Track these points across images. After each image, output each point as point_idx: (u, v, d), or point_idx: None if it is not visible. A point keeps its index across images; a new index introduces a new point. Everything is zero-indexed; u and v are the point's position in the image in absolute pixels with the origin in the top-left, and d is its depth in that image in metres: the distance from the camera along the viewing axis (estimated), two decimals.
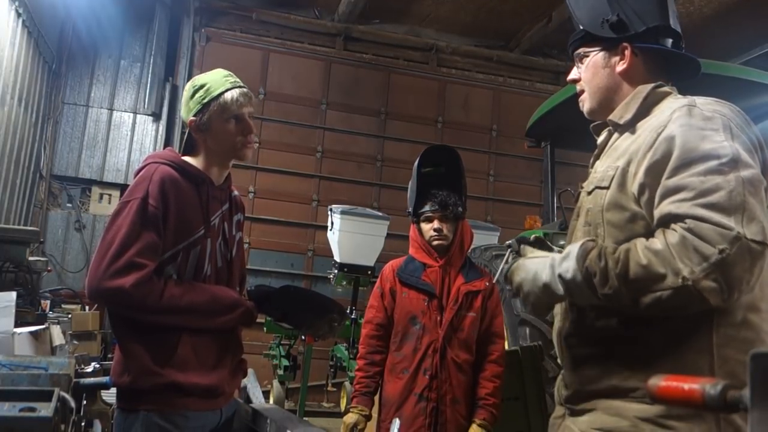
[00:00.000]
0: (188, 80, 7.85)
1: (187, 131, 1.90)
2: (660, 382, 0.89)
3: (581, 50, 1.56)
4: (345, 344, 5.60)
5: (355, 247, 5.88)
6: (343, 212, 5.91)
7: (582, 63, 1.56)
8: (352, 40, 8.22)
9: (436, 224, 2.69)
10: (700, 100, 1.37)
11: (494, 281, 1.95)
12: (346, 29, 8.07)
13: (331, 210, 6.10)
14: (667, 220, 1.24)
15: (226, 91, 1.82)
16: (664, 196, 1.26)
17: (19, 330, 3.22)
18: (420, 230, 2.77)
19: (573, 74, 1.60)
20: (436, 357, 2.59)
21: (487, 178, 8.46)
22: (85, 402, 2.78)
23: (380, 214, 6.26)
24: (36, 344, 3.27)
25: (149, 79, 7.48)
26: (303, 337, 5.66)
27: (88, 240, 7.19)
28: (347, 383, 5.53)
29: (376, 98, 8.26)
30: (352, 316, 5.55)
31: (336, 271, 5.93)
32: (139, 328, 1.73)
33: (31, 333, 3.27)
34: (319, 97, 8.09)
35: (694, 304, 1.17)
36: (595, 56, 1.53)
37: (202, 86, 1.84)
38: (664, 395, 0.88)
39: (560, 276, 1.31)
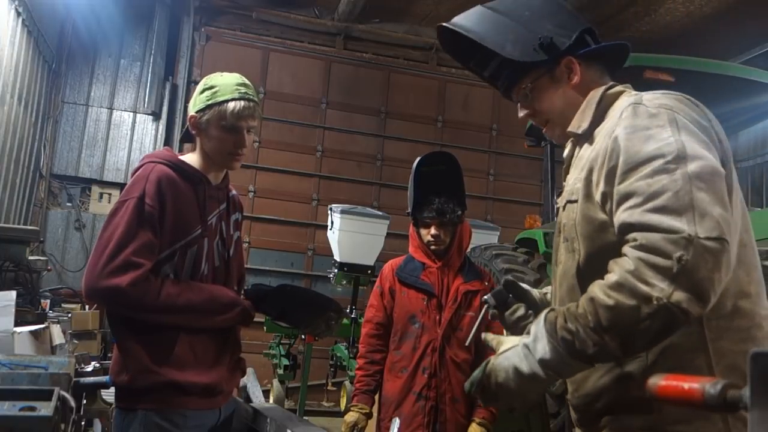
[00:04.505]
0: (188, 79, 7.84)
1: (188, 123, 1.91)
2: (660, 381, 0.88)
3: (523, 84, 1.49)
4: (345, 343, 5.60)
5: (355, 246, 5.88)
6: (343, 211, 5.90)
7: (528, 96, 1.50)
8: (352, 40, 8.22)
9: (433, 230, 2.70)
10: (646, 96, 1.32)
11: (466, 342, 1.81)
12: (346, 28, 8.07)
13: (331, 209, 6.10)
14: (623, 231, 1.20)
15: (232, 100, 1.81)
16: (618, 204, 1.23)
17: (19, 329, 3.22)
18: (418, 233, 2.78)
19: (524, 111, 1.53)
20: (435, 356, 2.60)
21: (487, 178, 8.46)
22: (85, 401, 2.78)
23: (380, 213, 6.26)
24: (36, 343, 3.27)
25: (149, 79, 7.47)
26: (303, 336, 5.66)
27: (88, 239, 7.19)
28: (347, 382, 5.52)
29: (376, 97, 8.26)
30: (352, 316, 5.55)
31: (336, 270, 5.93)
32: (137, 327, 1.73)
33: (31, 332, 3.27)
34: (319, 96, 8.09)
35: (678, 321, 1.12)
36: (541, 83, 1.47)
37: (211, 87, 1.84)
38: (664, 394, 0.88)
39: (541, 361, 1.21)
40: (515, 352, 1.27)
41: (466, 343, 1.71)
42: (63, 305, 5.55)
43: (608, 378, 1.31)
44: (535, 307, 1.56)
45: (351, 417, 2.66)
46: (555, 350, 1.20)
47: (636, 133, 1.24)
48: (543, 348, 1.21)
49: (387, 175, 8.13)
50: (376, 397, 2.75)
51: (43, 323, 3.69)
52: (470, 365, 2.64)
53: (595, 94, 1.43)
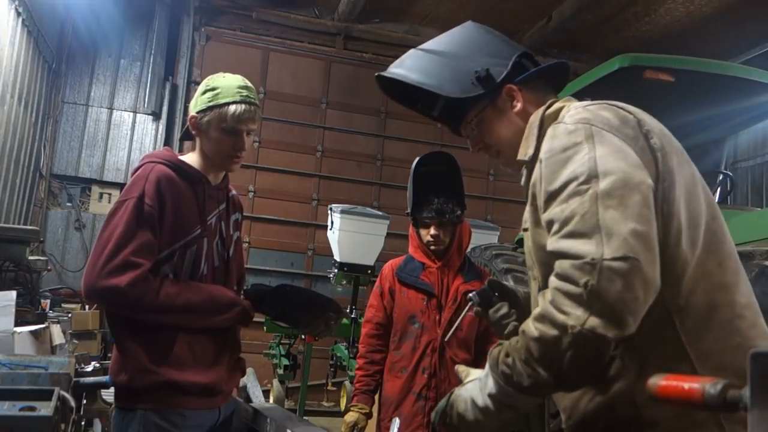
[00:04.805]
0: (188, 79, 7.82)
1: (188, 123, 1.91)
2: (660, 381, 0.88)
3: (469, 119, 1.49)
4: (345, 343, 5.60)
5: (355, 246, 5.88)
6: (343, 211, 5.90)
7: (475, 130, 1.49)
8: (352, 39, 8.22)
9: (433, 231, 2.70)
10: (570, 113, 1.30)
11: (446, 338, 1.83)
12: (346, 28, 8.06)
13: (331, 209, 6.10)
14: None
15: (233, 103, 1.81)
16: (547, 233, 1.22)
17: (19, 329, 3.22)
18: (418, 233, 2.78)
19: (474, 146, 1.52)
20: (434, 356, 2.60)
21: (487, 178, 8.45)
22: (85, 401, 2.78)
23: (380, 213, 6.25)
24: (36, 343, 3.27)
25: (149, 79, 7.47)
26: (303, 336, 5.66)
27: (88, 239, 7.18)
28: (347, 382, 5.53)
29: (376, 97, 8.24)
30: (352, 316, 5.55)
31: (336, 270, 5.93)
32: (136, 326, 1.74)
33: (31, 332, 3.27)
34: (319, 96, 8.09)
35: (599, 347, 1.10)
36: (485, 115, 1.46)
37: (213, 89, 1.84)
38: (664, 395, 0.88)
39: (489, 395, 1.23)
40: (475, 384, 1.30)
41: (446, 339, 1.73)
42: (63, 305, 5.55)
43: (597, 402, 1.28)
44: (519, 306, 1.56)
45: (351, 417, 2.66)
46: (498, 384, 1.21)
47: (553, 157, 1.23)
48: (490, 382, 1.23)
49: (387, 175, 8.13)
50: (376, 397, 2.75)
51: (43, 323, 3.70)
52: (470, 365, 2.64)
53: (534, 118, 1.41)
